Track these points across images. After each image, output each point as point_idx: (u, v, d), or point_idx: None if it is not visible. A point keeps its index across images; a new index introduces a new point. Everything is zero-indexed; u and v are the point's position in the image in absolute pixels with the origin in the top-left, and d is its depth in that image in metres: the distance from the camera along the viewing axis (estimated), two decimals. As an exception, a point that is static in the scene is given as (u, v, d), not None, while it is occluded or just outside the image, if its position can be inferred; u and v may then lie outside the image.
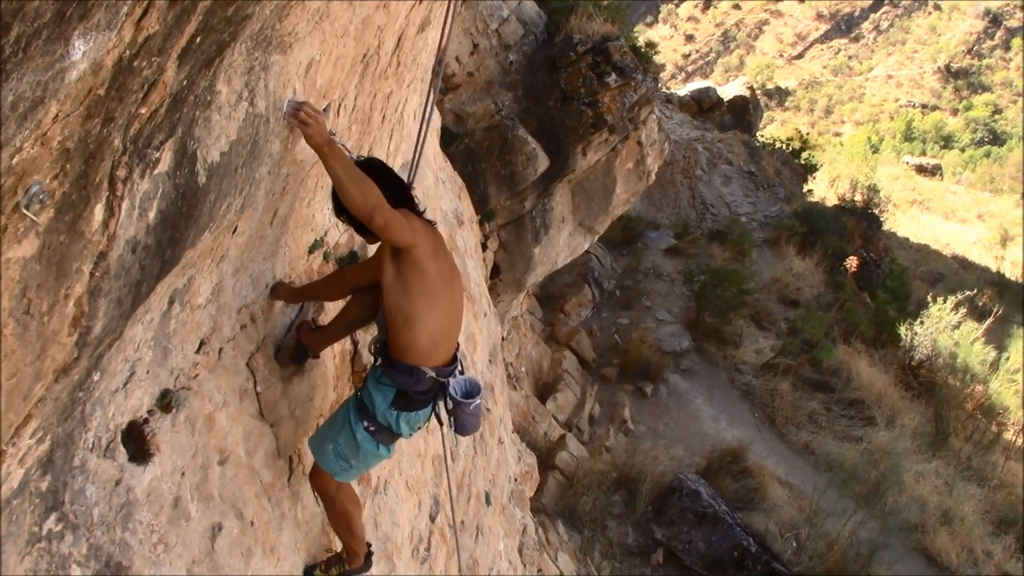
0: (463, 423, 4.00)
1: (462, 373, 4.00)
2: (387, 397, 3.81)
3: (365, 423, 3.83)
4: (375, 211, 3.32)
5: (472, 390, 3.92)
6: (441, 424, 4.06)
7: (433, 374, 3.82)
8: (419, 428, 4.02)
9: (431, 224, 3.85)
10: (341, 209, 3.60)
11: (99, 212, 1.98)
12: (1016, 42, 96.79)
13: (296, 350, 4.18)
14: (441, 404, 3.96)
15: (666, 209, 24.66)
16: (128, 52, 1.74)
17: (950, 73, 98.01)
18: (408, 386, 3.79)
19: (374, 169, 3.60)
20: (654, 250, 21.71)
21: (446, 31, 4.09)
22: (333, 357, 4.64)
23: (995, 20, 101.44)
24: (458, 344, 4.04)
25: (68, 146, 1.73)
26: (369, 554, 4.38)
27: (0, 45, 1.35)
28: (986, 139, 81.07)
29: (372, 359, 3.98)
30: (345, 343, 4.87)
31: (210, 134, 2.53)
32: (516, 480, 9.86)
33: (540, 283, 16.31)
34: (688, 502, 12.67)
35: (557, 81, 11.89)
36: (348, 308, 4.21)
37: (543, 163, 11.54)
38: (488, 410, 7.89)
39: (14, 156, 1.56)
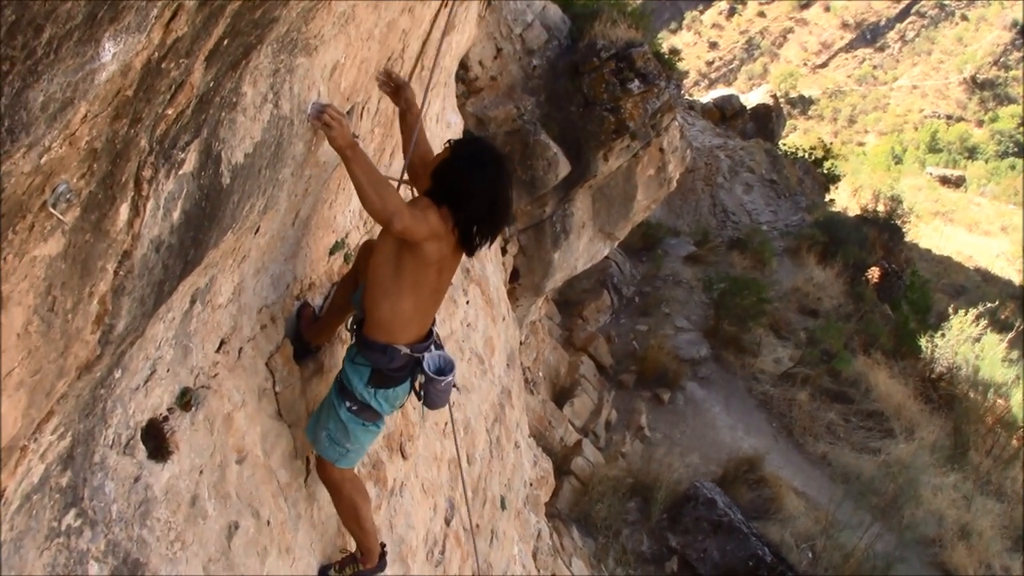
0: (432, 398, 4.02)
1: (438, 348, 4.03)
2: (363, 376, 3.83)
3: (347, 403, 3.85)
4: (393, 217, 3.34)
5: (445, 366, 3.96)
6: (420, 399, 4.05)
7: (407, 351, 3.84)
8: (400, 404, 4.04)
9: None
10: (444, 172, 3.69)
11: (124, 211, 2.00)
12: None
13: (298, 343, 4.21)
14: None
15: (686, 216, 24.60)
16: (157, 54, 1.75)
17: (976, 84, 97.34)
18: (382, 364, 3.81)
19: (481, 169, 3.69)
20: (674, 257, 21.65)
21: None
22: (351, 359, 4.66)
23: (1022, 31, 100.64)
24: (434, 319, 4.05)
25: (96, 146, 1.74)
26: (383, 554, 4.39)
27: (32, 47, 1.37)
28: (1011, 151, 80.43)
29: (350, 338, 4.00)
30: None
31: (235, 135, 2.55)
32: (532, 485, 9.86)
33: (559, 288, 16.29)
34: (703, 511, 12.63)
35: (580, 86, 11.88)
36: (336, 295, 4.27)
37: (564, 168, 11.53)
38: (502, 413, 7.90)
39: (42, 155, 1.57)
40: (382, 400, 3.89)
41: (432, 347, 3.97)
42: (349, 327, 4.03)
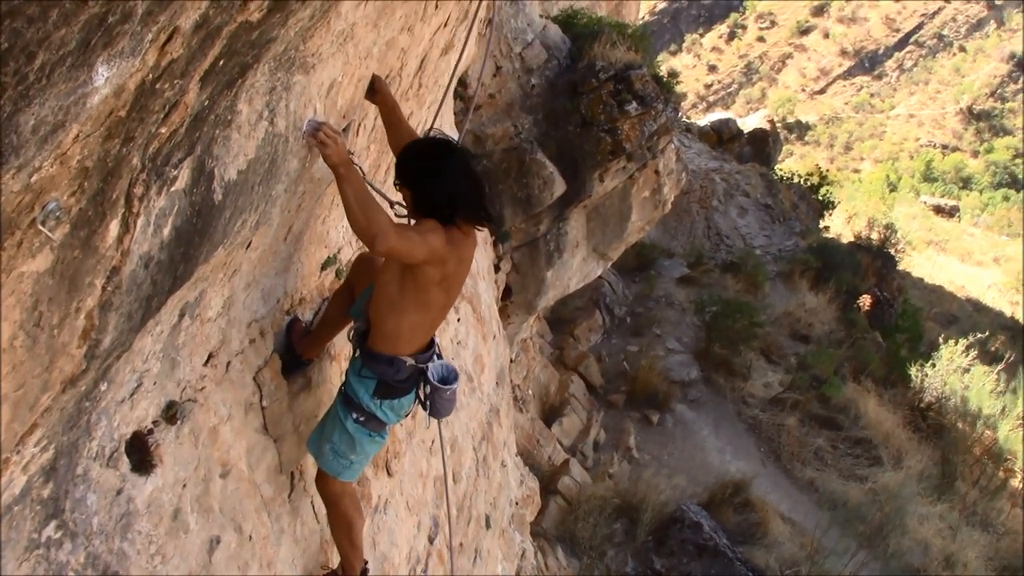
0: (438, 407, 4.06)
1: (439, 357, 4.06)
2: (368, 388, 3.86)
3: (354, 415, 3.88)
4: (376, 239, 3.31)
5: (449, 376, 4.01)
6: (425, 409, 4.08)
7: (412, 362, 3.88)
8: (405, 414, 4.08)
9: (469, 230, 3.81)
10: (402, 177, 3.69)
11: (114, 228, 2.00)
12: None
13: (288, 356, 4.20)
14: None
15: (681, 238, 24.64)
16: (151, 75, 1.76)
17: (972, 115, 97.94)
18: (388, 376, 3.85)
19: (435, 163, 3.65)
20: (667, 278, 21.67)
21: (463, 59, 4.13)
22: (340, 375, 4.65)
23: (1020, 64, 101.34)
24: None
25: (87, 165, 1.75)
26: (365, 571, 4.38)
27: (24, 72, 1.37)
28: (1005, 182, 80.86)
29: (352, 350, 4.02)
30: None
31: (228, 152, 2.56)
32: (517, 504, 9.84)
33: (551, 307, 16.29)
34: (689, 533, 12.60)
35: (577, 107, 11.91)
36: (329, 308, 4.31)
37: (560, 187, 11.55)
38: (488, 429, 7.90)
39: (32, 175, 1.58)
40: (388, 410, 3.93)
41: (435, 356, 4.01)
42: (351, 338, 4.04)
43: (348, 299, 4.20)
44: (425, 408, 4.06)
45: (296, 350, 4.22)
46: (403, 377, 3.88)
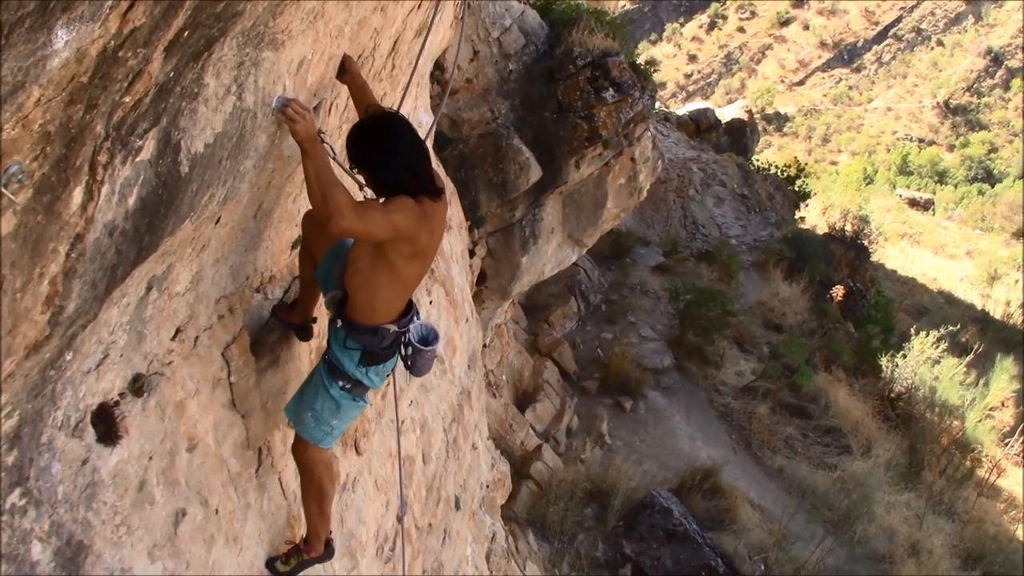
0: (419, 366, 4.11)
1: (418, 316, 4.10)
2: (354, 359, 3.91)
3: (340, 383, 3.93)
4: (331, 218, 3.30)
5: (429, 335, 4.04)
6: (407, 368, 4.13)
7: (395, 328, 3.92)
8: (387, 374, 4.14)
9: (437, 196, 3.77)
10: (354, 162, 3.69)
11: (78, 195, 2.02)
12: (1016, 82, 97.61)
13: (296, 330, 4.36)
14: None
15: (657, 226, 24.75)
16: (113, 43, 1.78)
17: (949, 109, 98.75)
18: (374, 345, 3.90)
19: (379, 142, 3.61)
20: (642, 266, 21.77)
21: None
22: (309, 352, 4.68)
23: (996, 59, 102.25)
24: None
25: (49, 129, 1.77)
26: (329, 542, 4.42)
27: (-17, 32, 1.40)
28: (980, 177, 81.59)
29: (331, 319, 4.04)
30: (322, 340, 4.92)
31: (195, 125, 2.57)
32: (488, 487, 9.90)
33: (526, 292, 16.35)
34: (659, 519, 12.72)
35: (554, 93, 11.94)
36: (301, 273, 4.38)
37: (536, 173, 11.58)
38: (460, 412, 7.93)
39: (-5, 136, 1.60)
40: (374, 376, 3.99)
41: (414, 317, 4.05)
42: (328, 307, 4.05)
43: (312, 261, 4.23)
44: (407, 367, 4.11)
45: (295, 323, 4.34)
46: (387, 344, 3.93)
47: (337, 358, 3.92)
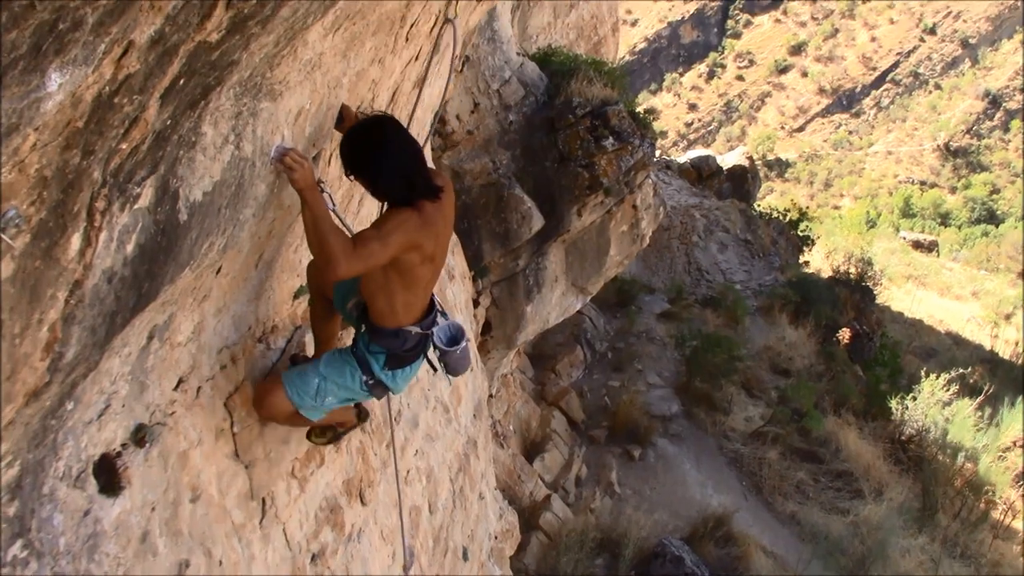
0: (453, 367, 4.17)
1: (443, 315, 4.11)
2: (379, 361, 3.93)
3: (364, 377, 3.94)
4: (328, 265, 3.36)
5: (456, 334, 4.06)
6: (435, 370, 4.19)
7: (418, 329, 3.94)
8: (410, 380, 4.17)
9: (436, 197, 3.73)
10: (348, 169, 3.67)
11: (76, 241, 2.04)
12: (1015, 124, 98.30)
13: None
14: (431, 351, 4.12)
15: (661, 273, 24.78)
16: (108, 88, 1.81)
17: (949, 152, 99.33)
18: (397, 348, 3.92)
19: (370, 145, 3.58)
20: (648, 313, 21.74)
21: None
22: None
23: (995, 101, 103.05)
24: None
25: (46, 174, 1.79)
26: None
27: (-24, 75, 1.43)
28: (983, 218, 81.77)
29: (356, 326, 4.06)
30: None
31: (193, 174, 2.61)
32: (496, 537, 9.80)
33: (532, 342, 16.33)
34: (671, 567, 12.56)
35: (555, 142, 12.05)
36: (313, 321, 4.41)
37: (538, 222, 11.65)
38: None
39: (-9, 179, 1.62)
40: (400, 380, 4.04)
41: (438, 317, 4.07)
42: (353, 314, 4.07)
43: (324, 303, 4.26)
44: (440, 369, 4.18)
45: None
46: (410, 346, 3.96)
47: (365, 359, 3.95)
